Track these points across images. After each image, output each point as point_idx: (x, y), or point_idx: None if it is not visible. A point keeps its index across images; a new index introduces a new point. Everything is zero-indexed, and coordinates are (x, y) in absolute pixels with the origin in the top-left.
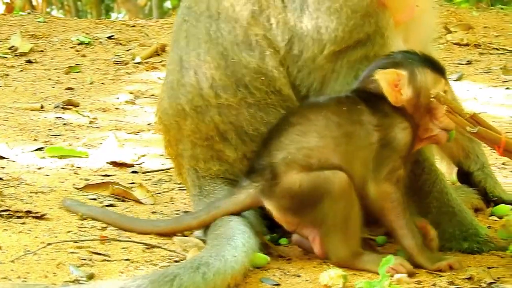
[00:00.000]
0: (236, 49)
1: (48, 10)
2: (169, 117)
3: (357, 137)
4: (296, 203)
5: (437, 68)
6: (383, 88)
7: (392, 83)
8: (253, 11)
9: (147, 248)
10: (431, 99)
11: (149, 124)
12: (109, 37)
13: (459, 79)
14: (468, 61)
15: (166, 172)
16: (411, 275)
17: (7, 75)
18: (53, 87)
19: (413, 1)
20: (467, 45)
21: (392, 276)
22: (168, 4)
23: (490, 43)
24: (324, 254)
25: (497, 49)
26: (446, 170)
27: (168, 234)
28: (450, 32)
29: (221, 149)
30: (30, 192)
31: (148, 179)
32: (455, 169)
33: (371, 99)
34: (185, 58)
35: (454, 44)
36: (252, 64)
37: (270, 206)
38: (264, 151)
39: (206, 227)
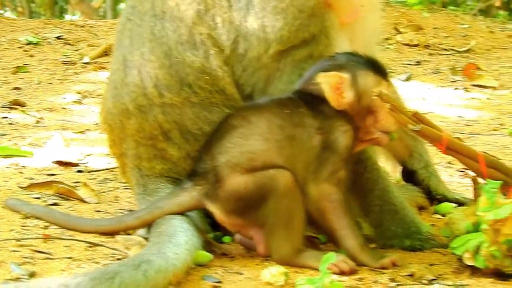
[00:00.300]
0: (180, 48)
1: (1, 12)
2: (113, 116)
3: (299, 140)
4: (241, 205)
5: (380, 71)
6: (325, 91)
7: (334, 86)
8: (198, 10)
9: (90, 247)
10: (374, 98)
11: (95, 124)
12: (58, 37)
13: (408, 79)
14: (417, 62)
15: (111, 171)
16: (353, 272)
17: None
18: (0, 87)
19: (358, 2)
20: (416, 45)
21: (333, 273)
22: (122, 6)
23: (439, 44)
24: (269, 253)
25: (446, 49)
26: (390, 169)
27: (111, 233)
28: (400, 33)
29: (164, 148)
30: None
31: (93, 178)
32: (399, 168)
33: (313, 101)
34: (129, 57)
35: (404, 44)
36: (196, 63)
37: (214, 209)
38: (206, 154)
39: (148, 226)
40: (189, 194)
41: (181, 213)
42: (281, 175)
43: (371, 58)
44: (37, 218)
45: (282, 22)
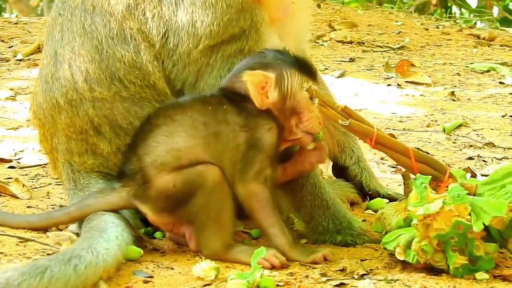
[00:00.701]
0: (111, 43)
1: None
2: (43, 111)
3: (224, 136)
4: (171, 203)
5: (307, 70)
6: (250, 91)
7: (258, 86)
8: (128, 5)
9: (21, 242)
10: (300, 96)
11: (28, 120)
12: None
13: (341, 75)
14: (351, 58)
15: (44, 167)
16: (284, 266)
17: None
18: None
19: None
20: (350, 42)
21: (264, 267)
22: None
23: (373, 41)
24: (200, 249)
25: (380, 46)
26: (322, 166)
27: (40, 229)
28: (334, 29)
29: (95, 142)
30: None
31: (25, 174)
32: (331, 164)
33: (237, 98)
34: (60, 52)
35: (338, 41)
36: (126, 58)
37: (144, 209)
38: (132, 155)
39: (78, 221)
40: (118, 195)
41: (112, 211)
42: (208, 171)
43: (299, 57)
44: None
45: (211, 17)
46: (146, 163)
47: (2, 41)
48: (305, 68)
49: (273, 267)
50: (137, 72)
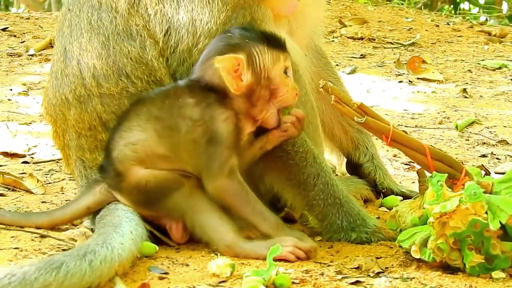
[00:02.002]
0: (118, 39)
1: None
2: (54, 107)
3: (179, 130)
4: (144, 198)
5: (275, 44)
6: (224, 78)
7: (231, 70)
8: (129, 0)
9: (36, 237)
10: (273, 74)
11: (41, 115)
12: (3, 29)
13: (352, 72)
14: (362, 55)
15: (57, 162)
16: (309, 253)
17: None
18: None
19: None
20: (361, 39)
21: (289, 260)
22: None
23: (384, 37)
24: (183, 240)
25: (391, 43)
26: (336, 162)
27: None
28: (345, 26)
29: (104, 138)
30: None
31: (39, 170)
32: (345, 161)
33: (199, 89)
34: (69, 48)
35: (349, 38)
36: (133, 53)
37: (122, 200)
38: (106, 149)
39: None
40: (100, 185)
41: (99, 204)
42: (185, 179)
43: (266, 32)
44: None
45: (208, 15)
46: (113, 157)
47: (14, 36)
48: (274, 43)
49: (299, 258)
50: (143, 68)
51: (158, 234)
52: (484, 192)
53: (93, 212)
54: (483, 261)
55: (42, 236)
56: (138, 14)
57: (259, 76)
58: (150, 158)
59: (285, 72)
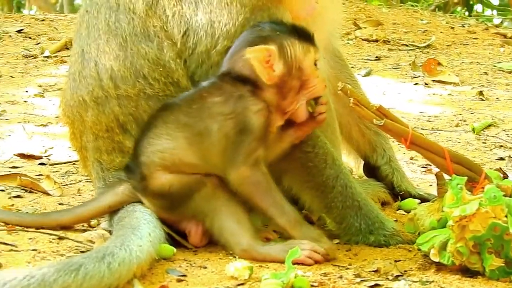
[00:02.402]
0: (135, 40)
1: None
2: (71, 108)
3: (210, 133)
4: (167, 202)
5: (305, 37)
6: (256, 68)
7: (263, 61)
8: (147, 1)
9: (54, 239)
10: (304, 66)
11: (57, 117)
12: (19, 31)
13: (367, 74)
14: (377, 57)
15: (74, 164)
16: (326, 255)
17: None
18: None
19: None
20: (376, 41)
21: (306, 264)
22: (79, 1)
23: (399, 39)
24: (202, 244)
25: (406, 45)
26: (353, 164)
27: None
28: (360, 28)
29: (121, 140)
30: None
31: (56, 171)
32: (362, 163)
33: (226, 83)
34: (86, 49)
35: (363, 40)
36: (150, 55)
37: (145, 202)
38: (133, 152)
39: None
40: (125, 185)
41: (120, 203)
42: (207, 179)
43: (294, 25)
44: None
45: (227, 17)
46: (140, 161)
47: (30, 38)
48: (305, 35)
49: (317, 262)
50: (161, 69)
51: (176, 236)
52: (504, 196)
53: (111, 213)
54: (503, 264)
55: (60, 238)
56: (155, 16)
57: (291, 67)
58: (177, 165)
59: (315, 64)
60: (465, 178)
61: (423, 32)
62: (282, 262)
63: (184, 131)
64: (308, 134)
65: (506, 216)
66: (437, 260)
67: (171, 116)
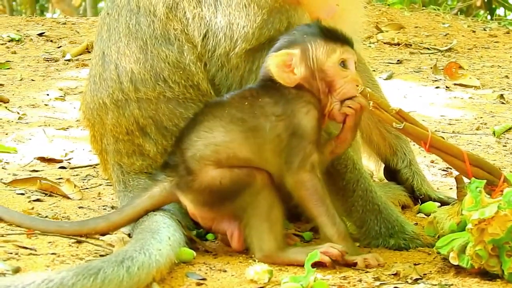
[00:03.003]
0: (155, 43)
1: None
2: (92, 111)
3: (263, 130)
4: (215, 198)
5: (332, 37)
6: (273, 72)
7: (282, 65)
8: (168, 4)
9: (73, 243)
10: (329, 67)
11: (77, 121)
12: (40, 34)
13: (389, 78)
14: (398, 60)
15: (94, 167)
16: (343, 254)
17: None
18: None
19: (333, 0)
20: (398, 44)
21: (324, 261)
22: (102, 4)
23: (421, 43)
24: (242, 248)
25: (428, 48)
26: (374, 167)
27: (75, 236)
28: (381, 31)
29: (141, 143)
30: None
31: (76, 175)
32: (382, 166)
33: (274, 86)
34: (107, 52)
35: (385, 43)
36: (170, 58)
37: (186, 201)
38: (176, 149)
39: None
40: (162, 186)
41: (156, 207)
42: (258, 172)
43: (325, 26)
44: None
45: (245, 19)
46: (187, 156)
47: (51, 41)
48: (331, 35)
49: (334, 260)
50: (181, 72)
51: (196, 239)
52: None
53: None
54: None
55: (80, 242)
56: (176, 18)
57: (313, 69)
58: (231, 160)
59: (343, 64)
60: (484, 181)
61: (445, 35)
62: (302, 265)
63: (239, 125)
64: (349, 141)
65: None
66: (456, 263)
67: (223, 110)
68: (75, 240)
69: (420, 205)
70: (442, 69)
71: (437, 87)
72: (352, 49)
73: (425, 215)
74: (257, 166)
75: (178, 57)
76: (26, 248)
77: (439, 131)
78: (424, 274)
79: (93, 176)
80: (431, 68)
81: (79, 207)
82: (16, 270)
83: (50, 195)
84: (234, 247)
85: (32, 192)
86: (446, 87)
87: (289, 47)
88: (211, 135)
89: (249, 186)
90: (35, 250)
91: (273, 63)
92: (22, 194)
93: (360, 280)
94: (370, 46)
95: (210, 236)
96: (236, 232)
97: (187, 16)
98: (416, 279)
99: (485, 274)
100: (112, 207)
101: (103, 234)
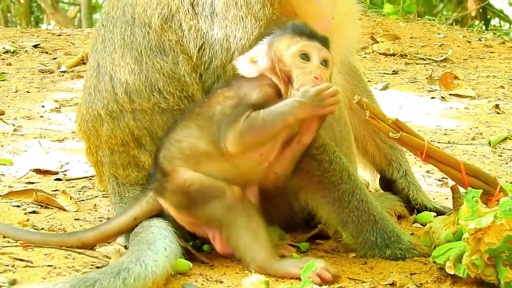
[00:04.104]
0: (150, 54)
1: None
2: (87, 123)
3: (214, 115)
4: (186, 200)
5: (299, 33)
6: (237, 66)
7: (248, 60)
8: (163, 15)
9: (70, 255)
10: (288, 59)
11: (73, 132)
12: (35, 46)
13: (384, 88)
14: (394, 71)
15: (90, 179)
16: (336, 279)
17: None
18: None
19: (328, 13)
20: (393, 55)
21: (315, 282)
22: (97, 16)
23: (416, 53)
24: (226, 250)
25: (423, 59)
26: (369, 178)
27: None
28: (377, 42)
29: (136, 154)
30: None
31: (72, 187)
32: (378, 177)
33: (234, 80)
34: (102, 63)
35: (380, 54)
36: (165, 69)
37: (165, 204)
38: (155, 156)
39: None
40: (148, 194)
41: (145, 215)
42: (228, 187)
43: (300, 25)
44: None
45: (242, 31)
46: (160, 158)
47: (46, 52)
48: (299, 31)
49: (325, 282)
50: (175, 83)
51: (192, 250)
52: None
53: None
54: None
55: (75, 254)
56: (171, 30)
57: (273, 59)
58: (195, 156)
59: (304, 57)
60: (481, 191)
61: (440, 46)
62: (297, 277)
63: (196, 119)
64: (314, 129)
65: None
66: (452, 272)
67: (187, 112)
68: (72, 252)
69: (416, 215)
70: (438, 79)
71: (432, 98)
72: (322, 46)
73: (421, 225)
74: (220, 164)
75: (173, 68)
76: (23, 260)
77: (434, 141)
78: (421, 284)
79: (89, 188)
80: (427, 78)
81: (75, 219)
82: (13, 283)
83: (46, 207)
84: (218, 250)
85: (28, 204)
86: (442, 97)
87: (261, 44)
88: (174, 135)
89: (219, 200)
90: (32, 262)
91: (240, 58)
92: (18, 206)
93: None
94: (365, 57)
95: (206, 247)
96: (217, 236)
97: (183, 28)
98: None
99: (481, 284)
100: (108, 219)
101: (93, 245)
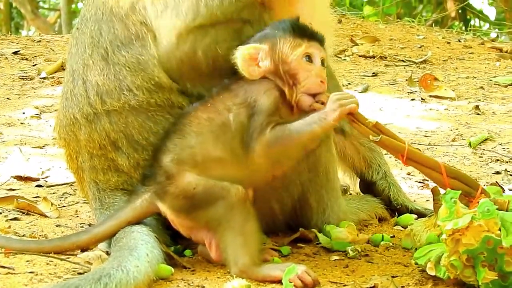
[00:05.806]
0: (115, 48)
1: None
2: (65, 128)
3: (228, 123)
4: (189, 204)
5: (300, 33)
6: (239, 65)
7: (248, 59)
8: (132, 3)
9: (51, 261)
10: (294, 60)
11: (54, 138)
12: (15, 53)
13: (364, 90)
14: (374, 73)
15: (71, 185)
16: (316, 283)
17: None
18: None
19: (307, 19)
20: (373, 57)
21: (296, 286)
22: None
23: (396, 55)
24: (221, 258)
25: (403, 61)
26: (349, 182)
27: (57, 252)
28: (356, 44)
29: (114, 158)
30: None
31: (53, 193)
32: (358, 180)
33: (231, 82)
34: (75, 67)
35: (360, 56)
36: (130, 60)
37: (164, 208)
38: (154, 159)
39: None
40: (142, 196)
41: (139, 219)
42: (233, 187)
43: (298, 24)
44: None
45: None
46: (165, 162)
47: (26, 59)
48: (299, 31)
49: (305, 285)
50: (142, 74)
51: (174, 255)
52: (500, 210)
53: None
54: (497, 278)
55: (57, 260)
56: (136, 12)
57: (277, 62)
58: (206, 162)
59: (308, 59)
60: (459, 191)
61: (420, 47)
62: (278, 281)
63: (207, 125)
64: None
65: (499, 230)
66: (433, 274)
67: (191, 117)
68: (53, 258)
69: (397, 217)
70: (417, 81)
71: (412, 99)
72: (321, 46)
73: (402, 227)
74: (234, 174)
75: (138, 58)
76: (4, 267)
77: (415, 143)
78: (402, 286)
79: (70, 194)
80: (406, 80)
81: (57, 225)
82: None
83: (27, 214)
84: (213, 257)
85: (9, 211)
86: (422, 99)
87: (259, 42)
88: (185, 140)
89: (223, 199)
90: (13, 269)
91: (240, 56)
92: None
93: None
94: (345, 59)
95: (188, 252)
96: (214, 242)
97: (146, 7)
98: None
99: (462, 285)
100: (90, 225)
101: (86, 248)
